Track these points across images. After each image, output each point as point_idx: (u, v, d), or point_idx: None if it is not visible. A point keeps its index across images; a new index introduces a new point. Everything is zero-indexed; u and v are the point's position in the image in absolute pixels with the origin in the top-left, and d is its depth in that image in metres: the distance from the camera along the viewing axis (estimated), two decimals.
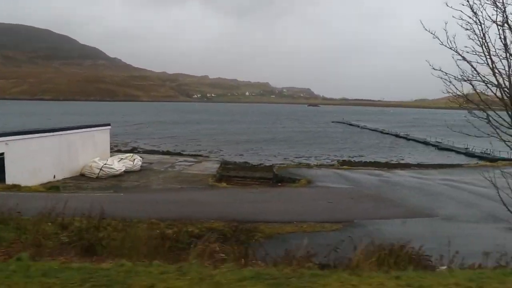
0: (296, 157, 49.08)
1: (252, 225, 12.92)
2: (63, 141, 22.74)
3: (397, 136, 78.84)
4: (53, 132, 22.66)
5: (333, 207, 17.43)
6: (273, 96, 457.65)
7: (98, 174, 23.25)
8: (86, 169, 23.67)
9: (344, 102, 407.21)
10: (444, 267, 8.76)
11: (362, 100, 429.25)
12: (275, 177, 27.06)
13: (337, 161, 44.17)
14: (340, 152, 56.01)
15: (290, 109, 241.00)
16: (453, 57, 9.64)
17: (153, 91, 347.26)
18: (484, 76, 9.39)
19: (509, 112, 9.43)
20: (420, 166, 36.89)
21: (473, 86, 9.25)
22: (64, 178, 22.44)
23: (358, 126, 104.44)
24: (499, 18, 8.89)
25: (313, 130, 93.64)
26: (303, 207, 17.14)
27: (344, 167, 31.90)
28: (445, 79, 9.82)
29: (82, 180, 22.79)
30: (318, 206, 17.53)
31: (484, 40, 9.22)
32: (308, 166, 32.09)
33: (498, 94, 9.43)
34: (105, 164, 23.66)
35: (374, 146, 65.24)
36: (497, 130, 9.85)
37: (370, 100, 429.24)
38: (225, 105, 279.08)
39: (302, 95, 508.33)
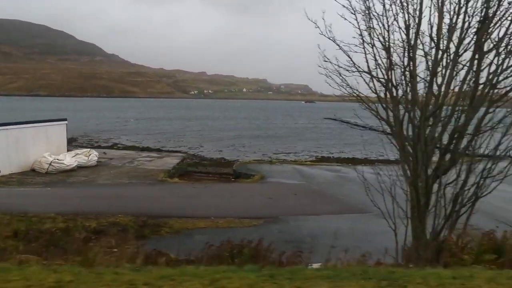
0: (275, 153, 48.71)
1: (163, 220, 12.73)
2: (10, 136, 22.48)
3: (384, 132, 78.63)
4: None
5: (268, 203, 17.24)
6: (271, 92, 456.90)
7: (47, 169, 23.02)
8: (36, 164, 23.45)
9: (341, 99, 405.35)
10: (318, 264, 8.57)
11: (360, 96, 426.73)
12: (234, 173, 26.90)
13: (315, 157, 43.87)
14: (322, 148, 55.69)
15: (287, 106, 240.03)
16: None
17: (150, 87, 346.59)
18: (359, 67, 9.17)
19: (383, 105, 9.23)
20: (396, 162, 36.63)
21: (342, 77, 9.03)
22: (11, 173, 22.19)
23: (349, 123, 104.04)
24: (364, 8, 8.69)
25: (303, 127, 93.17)
26: (237, 203, 16.95)
27: (307, 162, 31.72)
28: (336, 73, 9.64)
29: (29, 175, 22.55)
30: (254, 202, 17.35)
31: (360, 30, 9.01)
32: (270, 162, 31.87)
33: (373, 85, 9.23)
34: (55, 159, 23.43)
35: (359, 142, 64.90)
36: (382, 123, 9.68)
37: (368, 97, 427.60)
38: (222, 102, 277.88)
39: (299, 91, 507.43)
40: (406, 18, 8.37)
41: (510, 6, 7.61)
